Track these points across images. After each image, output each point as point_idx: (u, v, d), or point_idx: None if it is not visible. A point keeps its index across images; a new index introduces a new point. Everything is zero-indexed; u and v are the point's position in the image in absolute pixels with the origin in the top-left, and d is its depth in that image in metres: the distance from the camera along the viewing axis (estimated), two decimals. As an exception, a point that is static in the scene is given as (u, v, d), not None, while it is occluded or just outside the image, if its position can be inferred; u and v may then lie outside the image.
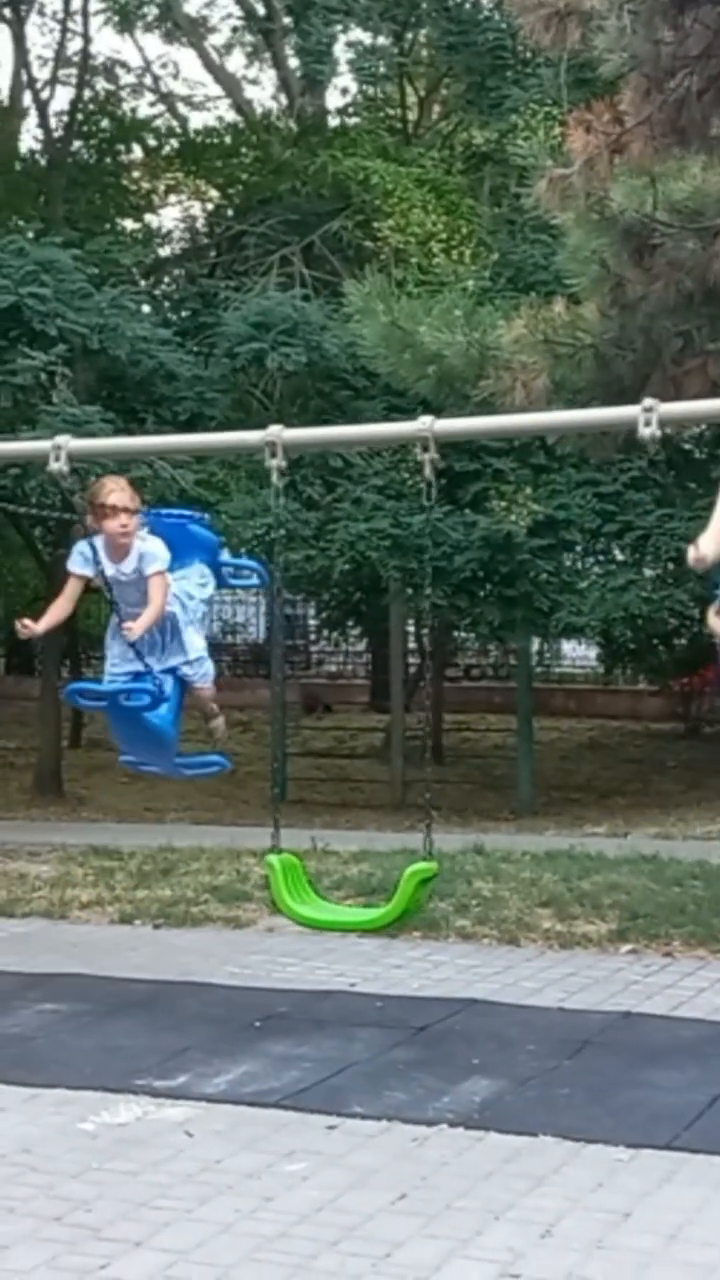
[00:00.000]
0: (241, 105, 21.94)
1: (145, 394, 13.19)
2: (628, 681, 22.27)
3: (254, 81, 24.85)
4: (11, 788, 15.36)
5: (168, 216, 20.66)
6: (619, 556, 14.23)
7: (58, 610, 6.52)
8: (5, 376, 11.97)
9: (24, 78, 19.84)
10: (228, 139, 19.85)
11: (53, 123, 19.38)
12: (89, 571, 6.31)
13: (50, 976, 6.91)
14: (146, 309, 15.17)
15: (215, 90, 22.86)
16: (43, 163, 19.18)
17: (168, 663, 6.32)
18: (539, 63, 15.28)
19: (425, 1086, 5.34)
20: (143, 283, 16.58)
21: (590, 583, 13.89)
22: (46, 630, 6.51)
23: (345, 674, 26.38)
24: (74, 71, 19.83)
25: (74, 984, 6.78)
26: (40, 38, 23.90)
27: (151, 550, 6.30)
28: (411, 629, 18.02)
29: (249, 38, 22.61)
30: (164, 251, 19.34)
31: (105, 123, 20.00)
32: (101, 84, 20.72)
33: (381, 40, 20.10)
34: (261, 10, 20.72)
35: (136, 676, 6.23)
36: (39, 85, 19.70)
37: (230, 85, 22.52)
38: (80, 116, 19.35)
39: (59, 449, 6.26)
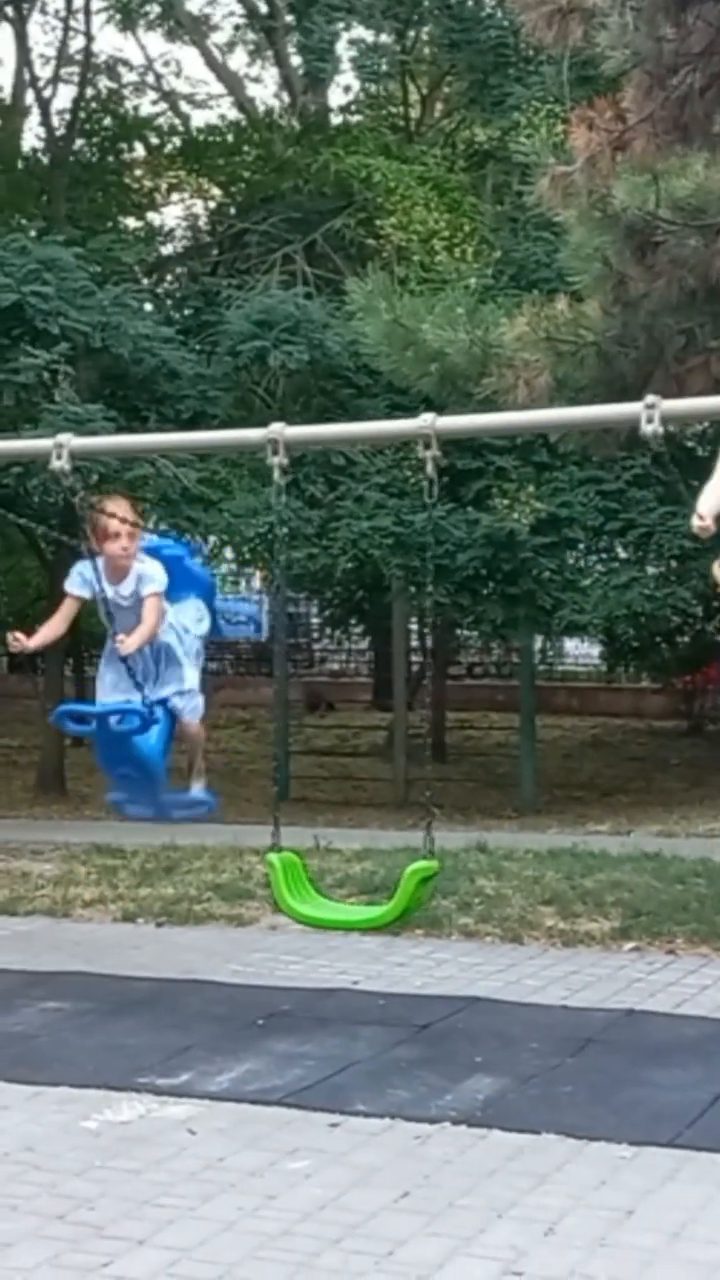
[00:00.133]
0: (244, 103, 21.93)
1: (147, 392, 13.19)
2: (630, 679, 22.26)
3: (256, 79, 24.85)
4: (14, 786, 15.37)
5: (170, 215, 20.67)
6: (622, 554, 14.22)
7: (52, 629, 6.52)
8: (8, 375, 11.97)
9: (26, 76, 19.84)
10: (230, 137, 19.85)
11: (55, 121, 19.38)
12: (86, 593, 6.31)
13: (53, 975, 6.91)
14: (149, 307, 15.17)
15: (217, 88, 22.87)
16: (45, 161, 19.17)
17: (160, 692, 6.30)
18: (541, 60, 15.27)
19: (428, 1084, 5.34)
20: (145, 281, 16.59)
21: (593, 580, 13.88)
22: (38, 647, 6.50)
23: (348, 672, 26.38)
24: (76, 70, 19.83)
25: (77, 982, 6.78)
26: (43, 36, 23.95)
27: (150, 572, 6.30)
28: (414, 627, 18.02)
29: (251, 36, 22.60)
30: (166, 250, 19.34)
31: (107, 121, 20.01)
32: (104, 82, 20.73)
33: (384, 38, 20.09)
34: (264, 8, 20.71)
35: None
36: (41, 83, 19.70)
37: (232, 83, 22.50)
38: (82, 115, 19.35)
39: (61, 447, 6.26)
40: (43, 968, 7.06)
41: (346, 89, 22.20)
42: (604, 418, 6.94)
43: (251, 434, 6.54)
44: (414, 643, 18.61)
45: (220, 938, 7.72)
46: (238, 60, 23.71)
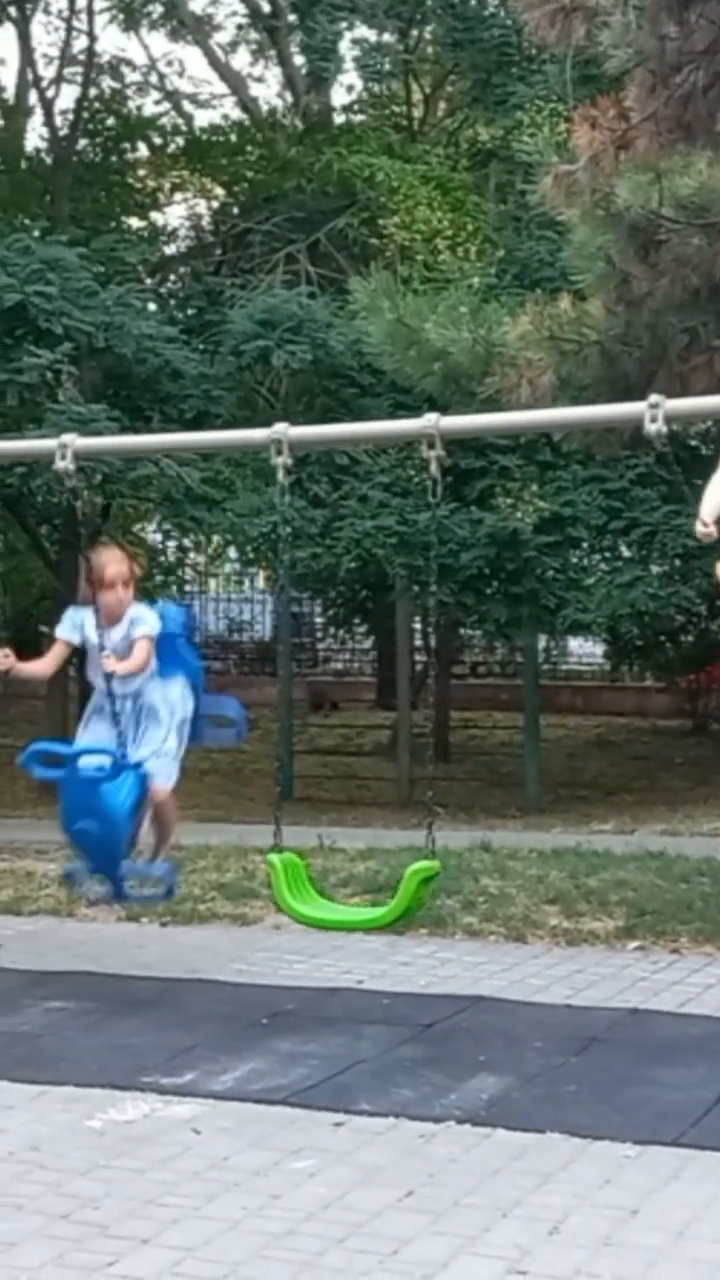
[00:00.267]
0: (247, 103, 21.93)
1: (151, 392, 13.20)
2: (634, 678, 22.25)
3: (259, 79, 24.87)
4: (19, 786, 15.36)
5: (173, 214, 20.69)
6: (626, 553, 14.21)
7: (38, 667, 6.50)
8: (11, 375, 11.98)
9: (29, 76, 19.86)
10: (233, 137, 19.85)
11: (58, 121, 19.39)
12: (76, 639, 6.27)
13: (57, 974, 6.91)
14: (152, 307, 15.18)
15: (220, 88, 22.86)
16: (48, 161, 19.19)
17: (139, 752, 6.19)
18: (544, 59, 15.27)
19: (432, 1084, 5.34)
20: (148, 281, 16.59)
21: (597, 579, 13.88)
22: (18, 676, 6.44)
23: (352, 671, 26.39)
24: (79, 70, 19.85)
25: (81, 982, 6.79)
26: (46, 36, 24.04)
27: (143, 615, 6.27)
28: (418, 626, 18.02)
29: (254, 35, 22.59)
30: (169, 249, 19.35)
31: (110, 121, 20.02)
32: (107, 82, 20.74)
33: (387, 37, 20.10)
34: (266, 8, 20.71)
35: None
36: (44, 84, 19.72)
37: (235, 83, 22.50)
38: (86, 115, 19.37)
39: (65, 447, 6.27)
40: (47, 967, 7.07)
41: (349, 88, 22.23)
42: (608, 417, 6.95)
43: (255, 434, 6.54)
44: (418, 642, 18.60)
45: (224, 937, 7.72)
46: (241, 60, 23.73)
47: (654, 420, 5.59)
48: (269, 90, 30.12)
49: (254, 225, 17.44)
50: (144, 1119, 5.04)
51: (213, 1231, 4.16)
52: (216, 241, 19.19)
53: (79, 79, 19.79)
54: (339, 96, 21.86)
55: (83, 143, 19.37)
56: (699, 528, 5.73)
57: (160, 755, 6.25)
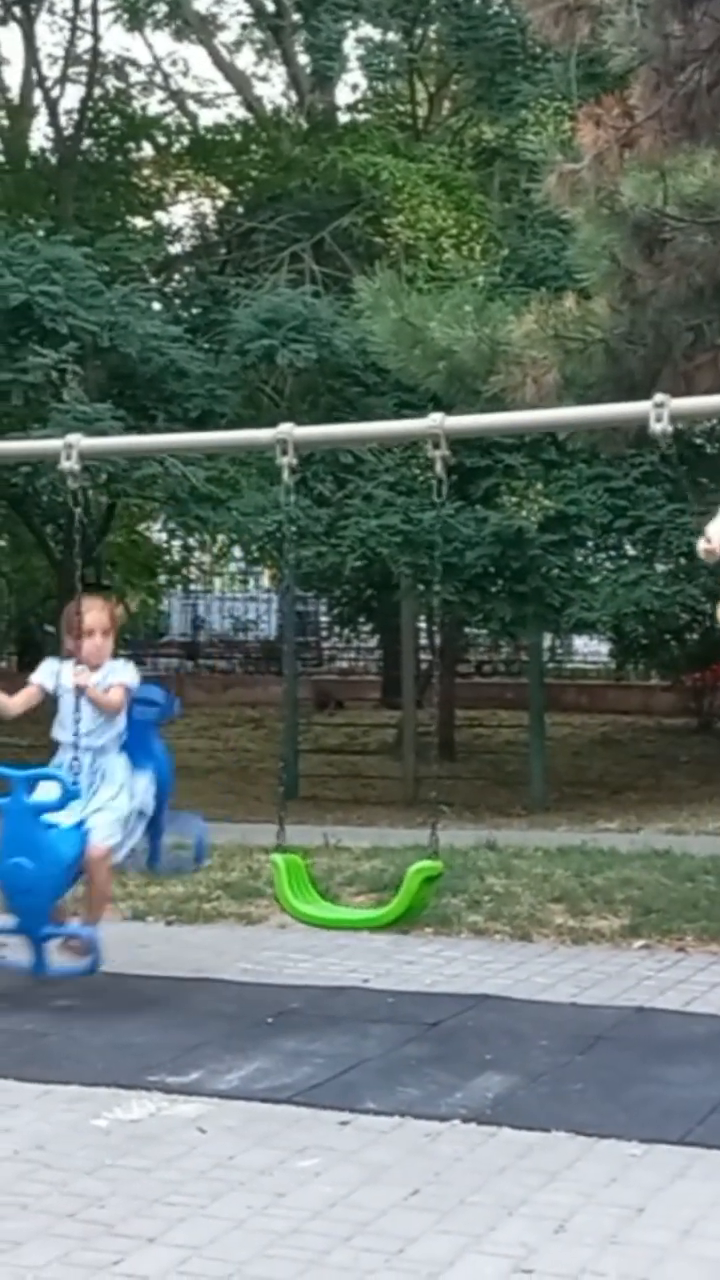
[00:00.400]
0: (251, 102, 21.94)
1: (156, 391, 13.22)
2: (640, 677, 22.27)
3: (264, 78, 24.92)
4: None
5: (178, 214, 20.73)
6: (631, 551, 14.22)
7: (11, 703, 6.40)
8: (16, 374, 12.00)
9: (34, 76, 19.92)
10: (237, 136, 19.88)
11: (63, 121, 19.45)
12: (50, 685, 6.22)
13: (63, 973, 6.91)
14: (157, 306, 15.20)
15: (225, 87, 22.90)
16: (53, 161, 19.23)
17: (91, 805, 6.08)
18: (548, 58, 15.28)
19: (438, 1082, 5.34)
20: (153, 280, 16.62)
21: (602, 578, 13.88)
22: None
23: (357, 670, 26.42)
24: (84, 69, 19.90)
25: (86, 981, 6.77)
26: (50, 36, 24.05)
27: (120, 668, 6.23)
28: (423, 625, 18.03)
29: (258, 35, 22.62)
30: (174, 249, 19.38)
31: (115, 120, 20.06)
32: (111, 82, 20.79)
33: (391, 36, 20.11)
34: (271, 7, 20.73)
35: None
36: (49, 83, 19.80)
37: (240, 82, 22.52)
38: (90, 114, 19.42)
39: (70, 448, 6.28)
40: (52, 966, 7.06)
41: (354, 87, 22.25)
42: (613, 417, 6.94)
43: (261, 434, 6.54)
44: (423, 641, 18.62)
45: (229, 936, 7.72)
46: (245, 59, 23.79)
47: (659, 420, 5.58)
48: (273, 89, 30.18)
49: (259, 224, 17.46)
50: (149, 1118, 5.04)
51: (218, 1230, 4.16)
52: (221, 241, 19.20)
53: (84, 79, 19.83)
54: (343, 95, 21.90)
55: (87, 142, 19.41)
56: (702, 545, 5.69)
57: (106, 810, 6.08)
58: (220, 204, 19.91)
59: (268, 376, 13.77)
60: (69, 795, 5.98)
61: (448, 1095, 5.20)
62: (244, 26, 22.75)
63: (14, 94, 20.69)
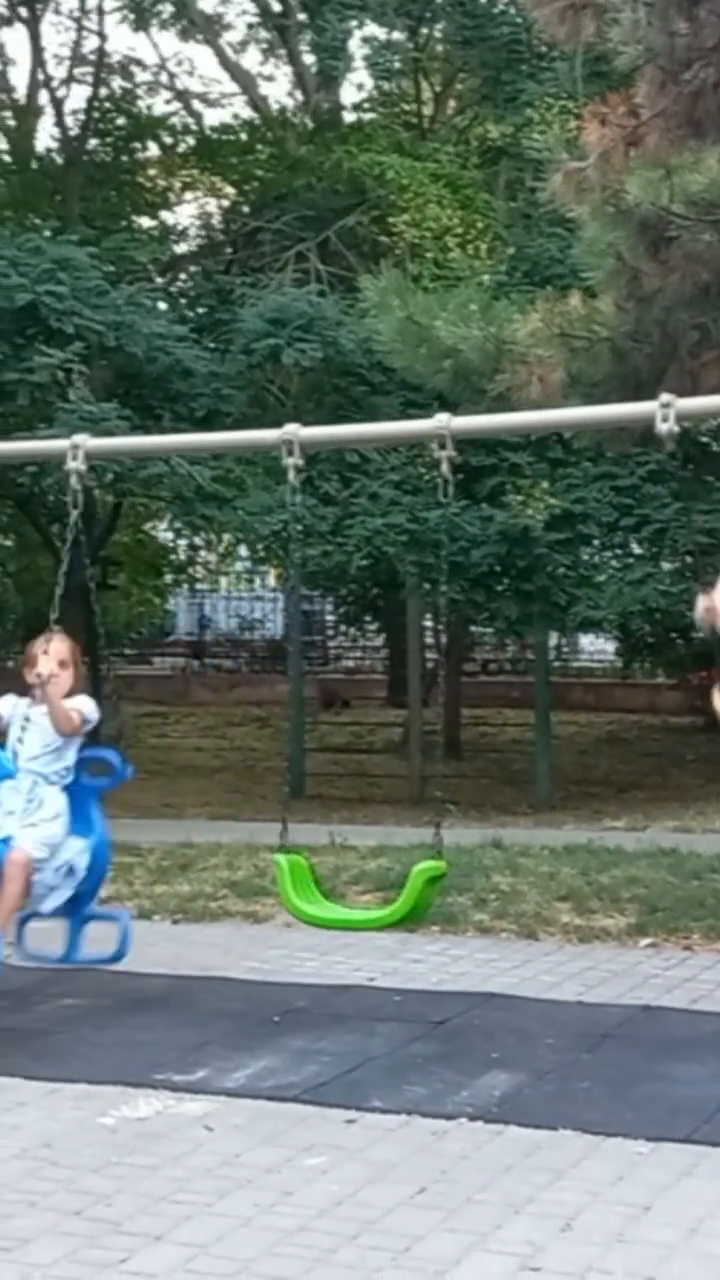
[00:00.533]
0: (257, 102, 21.95)
1: (162, 391, 13.23)
2: (646, 675, 22.25)
3: (269, 78, 24.89)
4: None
5: (184, 213, 20.73)
6: (636, 550, 14.21)
7: None
8: (22, 374, 12.02)
9: (40, 76, 19.92)
10: (243, 136, 19.87)
11: (69, 121, 19.45)
12: (4, 713, 6.15)
13: (70, 972, 6.91)
14: (163, 306, 15.21)
15: (231, 87, 22.89)
16: (59, 161, 19.24)
17: (25, 821, 5.98)
18: (554, 56, 15.28)
19: (444, 1080, 5.34)
20: (159, 280, 16.63)
21: (608, 576, 13.88)
22: None
23: (363, 669, 26.43)
24: (90, 70, 19.89)
25: (93, 979, 6.79)
26: (56, 36, 24.08)
27: (82, 699, 6.15)
28: (429, 624, 18.03)
29: (264, 34, 22.61)
30: (180, 248, 19.37)
31: (121, 120, 20.05)
32: (117, 82, 20.77)
33: (396, 35, 20.11)
34: (276, 6, 20.73)
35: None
36: (55, 84, 19.79)
37: (245, 82, 22.52)
38: (96, 114, 19.41)
39: (77, 448, 6.29)
40: (59, 964, 7.07)
41: (359, 87, 22.33)
42: (619, 417, 6.93)
43: (267, 435, 6.54)
44: (429, 639, 18.61)
45: (236, 934, 7.73)
46: (251, 59, 23.83)
47: (666, 420, 5.58)
48: (279, 89, 30.20)
49: (264, 224, 17.46)
50: (156, 1116, 5.05)
51: (225, 1228, 4.17)
52: (227, 240, 19.20)
53: (89, 79, 19.83)
54: (349, 95, 21.94)
55: (93, 142, 19.41)
56: (701, 604, 5.66)
57: (40, 827, 5.98)
58: (226, 203, 19.91)
59: (273, 376, 13.78)
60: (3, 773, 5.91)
61: (454, 1093, 5.20)
62: (250, 26, 22.77)
63: (20, 94, 20.70)
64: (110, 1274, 3.91)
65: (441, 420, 5.90)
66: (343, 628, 26.05)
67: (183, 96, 22.73)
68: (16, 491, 13.93)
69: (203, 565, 26.23)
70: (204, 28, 22.05)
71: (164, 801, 14.27)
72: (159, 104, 21.81)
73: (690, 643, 17.36)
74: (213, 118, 22.11)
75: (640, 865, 8.90)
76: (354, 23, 19.12)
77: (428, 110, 20.63)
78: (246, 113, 21.70)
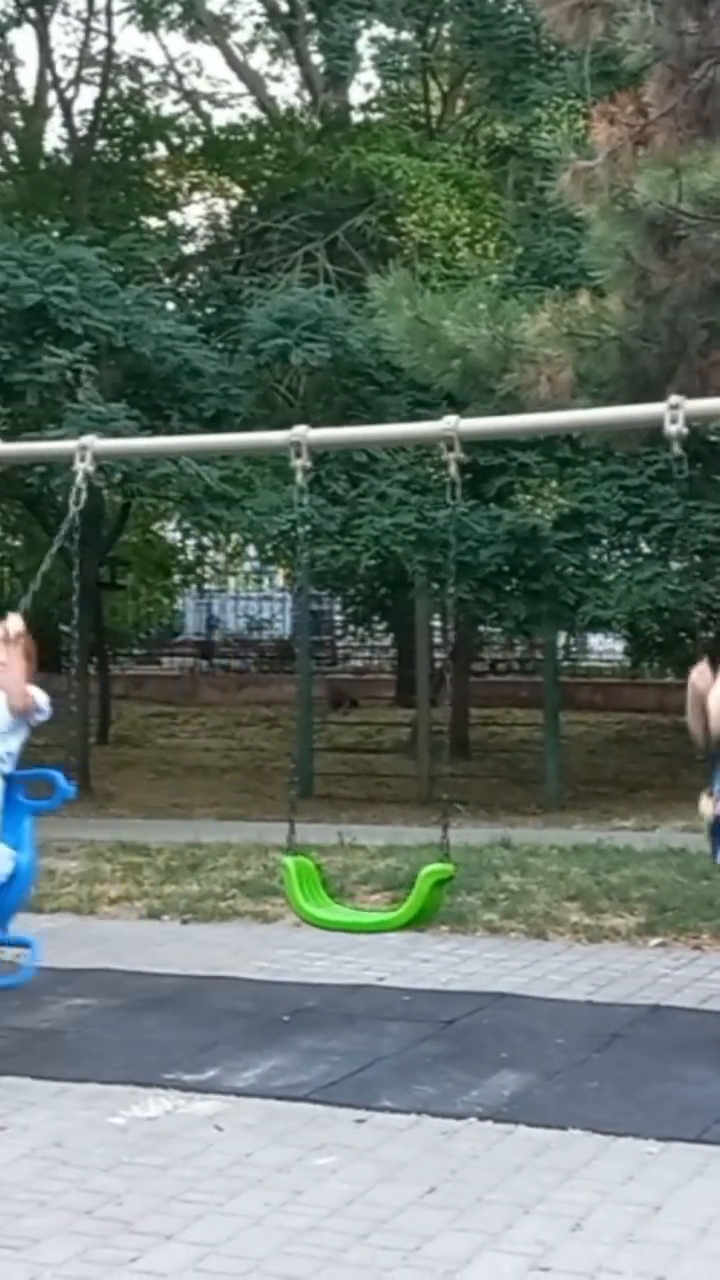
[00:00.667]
0: (265, 102, 21.94)
1: (170, 391, 13.23)
2: (655, 675, 22.20)
3: (277, 78, 24.89)
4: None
5: (192, 214, 20.73)
6: (645, 549, 14.18)
7: None
8: (31, 375, 12.02)
9: (48, 77, 19.94)
10: (251, 136, 19.88)
11: (77, 122, 19.46)
12: None
13: (80, 972, 6.94)
14: (171, 306, 15.21)
15: (239, 87, 22.88)
16: (67, 161, 19.25)
17: None
18: (562, 56, 15.24)
19: (454, 1080, 5.35)
20: (167, 280, 16.63)
21: (616, 576, 13.84)
22: None
23: (371, 669, 26.40)
24: (98, 70, 19.91)
25: (103, 979, 6.81)
26: (64, 37, 24.14)
27: (37, 690, 6.11)
28: (437, 624, 18.01)
29: (272, 35, 22.60)
30: (188, 249, 19.38)
31: (129, 121, 20.07)
32: (125, 83, 20.79)
33: (404, 35, 20.08)
34: (284, 7, 20.72)
35: None
36: (63, 84, 19.80)
37: (253, 82, 22.51)
38: (104, 115, 19.43)
39: (85, 450, 6.29)
40: (69, 965, 7.08)
41: (367, 87, 22.23)
42: (627, 419, 6.92)
43: (275, 436, 6.55)
44: (437, 639, 18.60)
45: (245, 934, 7.74)
46: (259, 59, 23.75)
47: (674, 422, 5.58)
48: (287, 89, 30.15)
49: (272, 224, 17.46)
50: (166, 1115, 5.05)
51: (235, 1227, 4.17)
52: (235, 240, 19.21)
53: (97, 79, 19.85)
54: (357, 95, 21.89)
55: (101, 143, 19.43)
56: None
57: None
58: (234, 204, 19.92)
59: (282, 376, 13.77)
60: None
61: (464, 1093, 5.21)
62: (258, 27, 22.74)
63: (28, 95, 20.72)
64: (121, 1273, 3.91)
65: (449, 423, 5.90)
66: (351, 627, 26.03)
67: (191, 97, 22.74)
68: (25, 492, 13.94)
69: (211, 565, 26.23)
70: (212, 28, 22.04)
71: (173, 802, 14.28)
72: (167, 104, 21.84)
73: (699, 642, 17.35)
74: (221, 118, 22.14)
75: (649, 865, 8.89)
76: (362, 23, 19.09)
77: (436, 110, 20.61)
78: (254, 113, 21.70)
